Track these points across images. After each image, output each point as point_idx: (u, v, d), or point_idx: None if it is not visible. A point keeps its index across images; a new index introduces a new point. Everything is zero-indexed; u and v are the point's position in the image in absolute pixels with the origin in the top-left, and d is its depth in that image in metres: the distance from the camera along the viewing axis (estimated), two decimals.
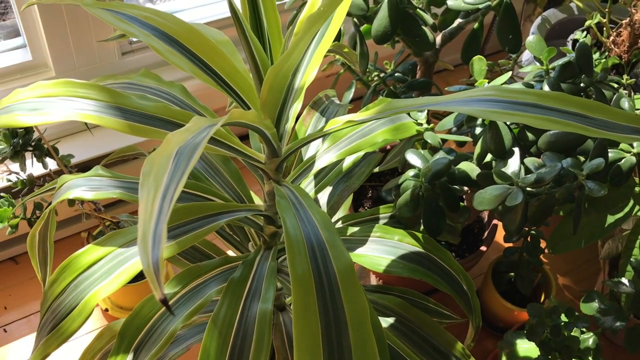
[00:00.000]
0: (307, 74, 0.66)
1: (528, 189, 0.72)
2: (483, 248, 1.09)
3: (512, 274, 1.16)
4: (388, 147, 1.19)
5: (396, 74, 0.97)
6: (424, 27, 0.94)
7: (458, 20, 1.02)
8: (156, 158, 0.40)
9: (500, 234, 1.14)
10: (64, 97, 0.66)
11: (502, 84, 0.78)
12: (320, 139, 0.85)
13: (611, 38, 1.14)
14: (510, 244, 1.11)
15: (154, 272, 0.31)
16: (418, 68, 1.07)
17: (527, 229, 1.07)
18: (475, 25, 0.98)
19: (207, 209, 0.70)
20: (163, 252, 0.31)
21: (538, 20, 1.31)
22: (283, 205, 0.60)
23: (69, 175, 0.76)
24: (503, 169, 0.73)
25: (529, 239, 1.07)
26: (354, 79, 1.14)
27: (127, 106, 0.66)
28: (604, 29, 1.17)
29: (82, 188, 0.72)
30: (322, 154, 0.77)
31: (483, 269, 1.23)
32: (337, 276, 0.53)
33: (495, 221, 1.13)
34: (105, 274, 0.65)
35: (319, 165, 0.76)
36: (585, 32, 1.20)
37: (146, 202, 0.36)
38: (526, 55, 1.31)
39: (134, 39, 1.17)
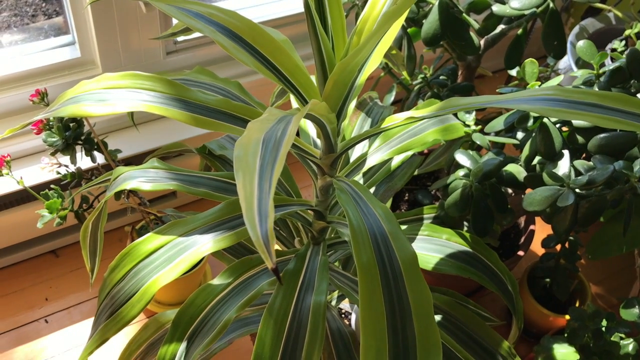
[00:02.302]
0: (367, 72, 0.67)
1: (578, 190, 0.73)
2: (520, 253, 1.10)
3: (548, 280, 1.16)
4: (425, 150, 1.20)
5: (441, 77, 0.99)
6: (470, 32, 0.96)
7: (501, 26, 1.03)
8: (246, 144, 0.42)
9: (535, 240, 1.14)
10: (130, 88, 0.68)
11: None
12: (367, 140, 0.87)
13: None
14: (543, 250, 1.12)
15: (264, 243, 0.33)
16: (460, 73, 1.08)
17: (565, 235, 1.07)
18: (519, 31, 0.99)
19: None
20: (272, 225, 0.33)
21: (576, 29, 1.32)
22: (344, 199, 0.61)
23: (124, 167, 0.78)
24: (553, 171, 0.74)
25: (566, 245, 1.07)
26: (394, 82, 1.16)
27: (191, 99, 0.68)
28: None
29: (140, 179, 0.74)
30: (373, 151, 0.78)
31: (517, 274, 1.23)
32: (401, 266, 0.55)
33: (532, 227, 1.14)
34: (166, 261, 0.66)
35: (370, 162, 0.78)
36: (623, 42, 1.21)
37: (243, 182, 0.38)
38: (563, 64, 1.32)
39: (179, 39, 1.19)
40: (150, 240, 0.68)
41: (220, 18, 0.68)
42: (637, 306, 0.94)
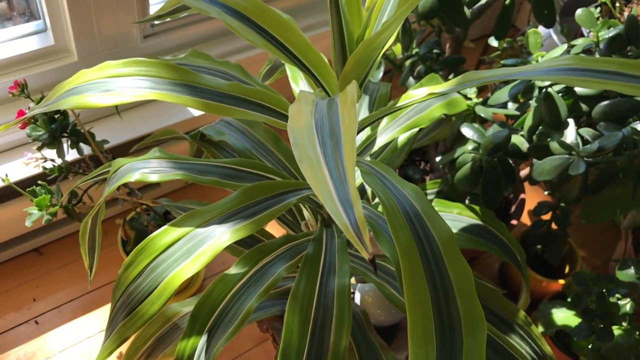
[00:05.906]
0: (384, 49, 0.66)
1: (586, 158, 0.74)
2: (514, 222, 1.12)
3: (539, 247, 1.18)
4: None
5: (434, 51, 0.98)
6: None
7: None
8: (298, 129, 0.40)
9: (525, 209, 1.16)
10: (134, 76, 0.65)
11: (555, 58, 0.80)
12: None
13: (625, 13, 1.17)
14: (529, 219, 1.14)
15: (356, 233, 0.31)
16: (448, 46, 1.08)
17: (556, 202, 1.09)
18: (507, 1, 1.00)
19: (277, 187, 0.70)
20: (361, 213, 0.31)
21: None
22: (370, 180, 0.60)
23: (124, 158, 0.75)
24: (562, 139, 0.74)
25: (557, 211, 1.09)
26: (382, 58, 1.14)
27: (199, 84, 0.66)
28: (617, 5, 1.19)
29: (143, 170, 0.71)
30: (382, 130, 0.77)
31: None
32: (439, 245, 0.54)
33: (522, 195, 1.15)
34: (185, 254, 0.64)
35: (379, 142, 0.77)
36: (599, 9, 1.22)
37: (311, 171, 0.36)
38: (543, 31, 1.33)
39: (156, 22, 1.15)
40: (166, 234, 0.66)
41: None
42: (632, 267, 0.97)
